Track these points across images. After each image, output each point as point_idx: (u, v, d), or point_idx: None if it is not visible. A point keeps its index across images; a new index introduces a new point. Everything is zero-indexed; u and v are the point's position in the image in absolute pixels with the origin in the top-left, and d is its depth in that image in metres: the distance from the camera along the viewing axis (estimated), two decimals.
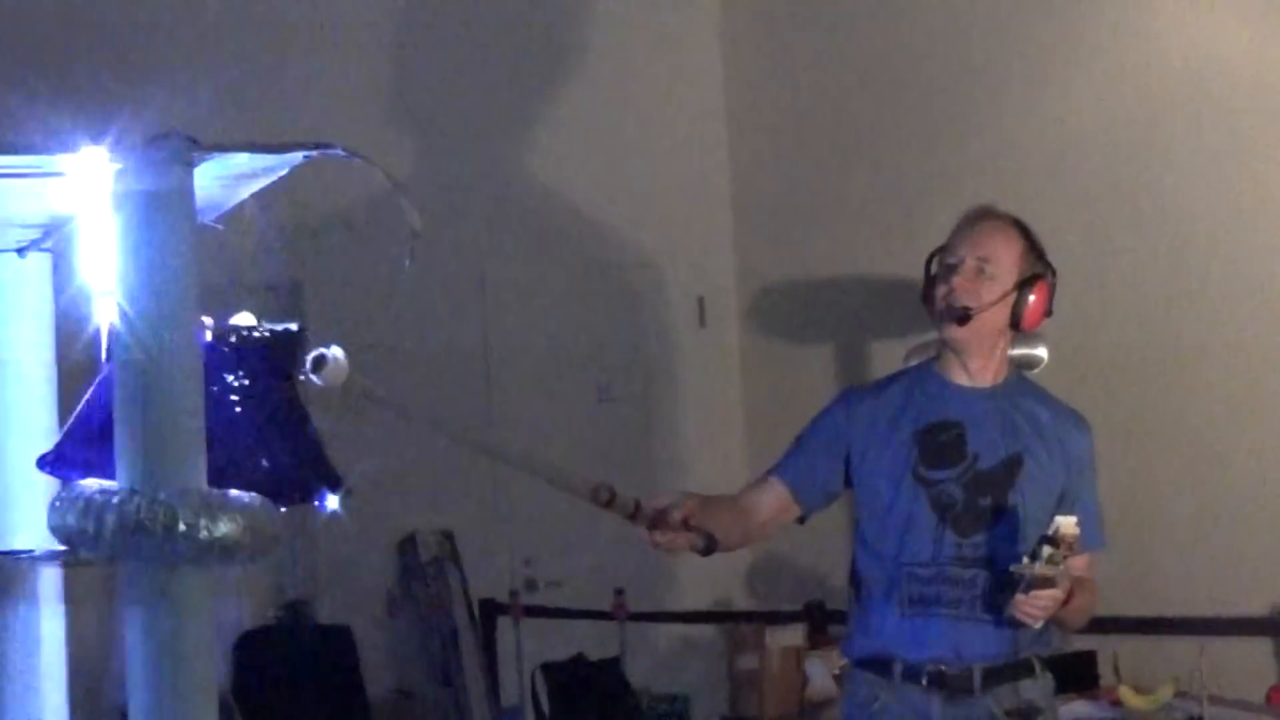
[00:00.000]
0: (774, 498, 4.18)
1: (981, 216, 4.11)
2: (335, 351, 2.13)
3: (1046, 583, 3.74)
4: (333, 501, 2.09)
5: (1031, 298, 4.03)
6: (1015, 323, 4.04)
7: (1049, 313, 4.10)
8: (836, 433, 4.15)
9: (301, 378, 2.11)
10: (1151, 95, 7.14)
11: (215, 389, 1.96)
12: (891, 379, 4.30)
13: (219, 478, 1.91)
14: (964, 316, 4.00)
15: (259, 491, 1.95)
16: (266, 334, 2.04)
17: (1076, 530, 3.70)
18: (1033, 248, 4.07)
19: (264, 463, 2.00)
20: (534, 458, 3.50)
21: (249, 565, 1.92)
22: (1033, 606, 3.78)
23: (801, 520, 4.25)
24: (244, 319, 2.05)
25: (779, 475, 4.19)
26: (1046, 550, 3.70)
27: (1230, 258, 6.85)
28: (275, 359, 2.05)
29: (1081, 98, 7.37)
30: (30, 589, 2.22)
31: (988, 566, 3.95)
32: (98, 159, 1.83)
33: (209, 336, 1.98)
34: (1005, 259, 4.03)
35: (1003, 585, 3.87)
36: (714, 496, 4.05)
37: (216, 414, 1.93)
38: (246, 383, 1.99)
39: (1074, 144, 7.41)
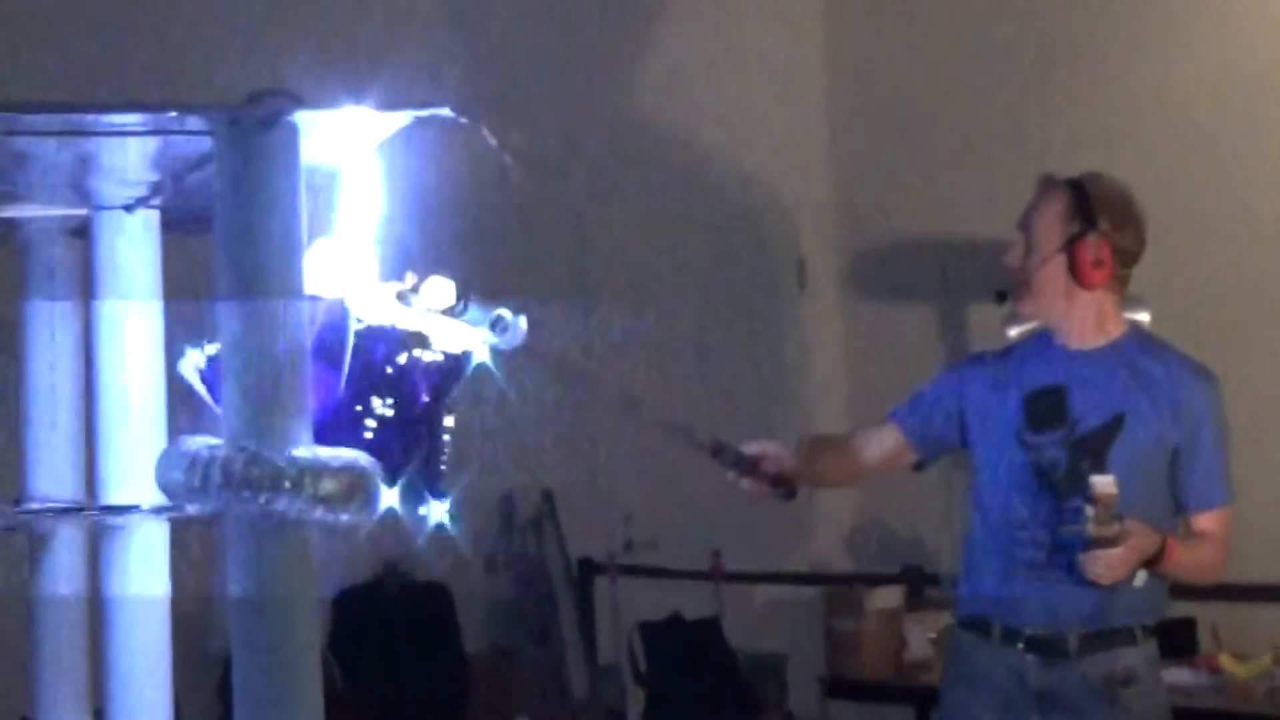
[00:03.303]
0: (891, 441, 4.27)
1: (1036, 188, 4.11)
2: (518, 320, 2.12)
3: (1107, 542, 3.76)
4: (435, 510, 2.09)
5: (1078, 255, 3.98)
6: (1078, 281, 4.00)
7: (1097, 264, 3.96)
8: (953, 396, 4.21)
9: (484, 340, 2.10)
10: (1258, 64, 7.07)
11: (359, 409, 1.96)
12: (1013, 346, 4.32)
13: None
14: (1002, 293, 4.03)
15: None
16: (434, 361, 2.04)
17: (1114, 490, 3.74)
18: (1080, 206, 3.99)
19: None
20: (642, 404, 3.62)
21: (352, 523, 1.92)
22: (1095, 564, 3.80)
23: (918, 467, 4.31)
24: (440, 285, 2.01)
25: (897, 421, 4.27)
26: (1089, 510, 3.74)
27: None
28: (434, 386, 2.05)
29: (1188, 61, 7.30)
30: (136, 543, 2.24)
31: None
32: (210, 116, 1.83)
33: (382, 355, 1.97)
34: (1042, 223, 4.02)
35: (1068, 547, 3.90)
36: (823, 436, 4.10)
37: (352, 433, 1.93)
38: (390, 412, 1.99)
39: (1178, 107, 7.34)
